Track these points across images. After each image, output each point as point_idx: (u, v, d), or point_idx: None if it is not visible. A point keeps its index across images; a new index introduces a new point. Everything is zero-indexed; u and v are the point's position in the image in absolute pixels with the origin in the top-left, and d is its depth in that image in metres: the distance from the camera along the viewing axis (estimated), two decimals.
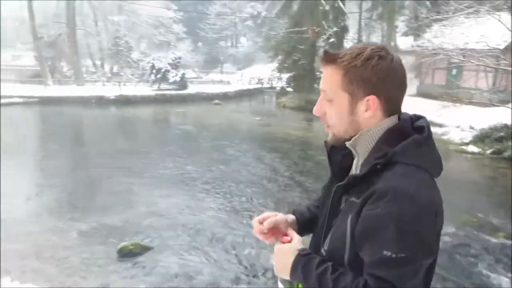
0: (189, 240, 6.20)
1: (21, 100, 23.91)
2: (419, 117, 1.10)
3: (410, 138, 1.01)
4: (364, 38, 28.91)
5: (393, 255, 0.91)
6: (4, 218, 6.79)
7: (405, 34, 30.12)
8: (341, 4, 23.46)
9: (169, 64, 29.17)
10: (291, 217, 1.29)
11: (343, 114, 1.05)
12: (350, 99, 1.04)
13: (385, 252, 0.91)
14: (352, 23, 26.01)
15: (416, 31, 24.22)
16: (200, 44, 49.49)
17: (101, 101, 25.12)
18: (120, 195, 8.28)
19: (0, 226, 6.08)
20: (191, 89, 30.13)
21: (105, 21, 36.59)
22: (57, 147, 13.55)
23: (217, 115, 21.76)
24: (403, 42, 27.94)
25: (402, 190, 0.93)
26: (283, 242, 1.11)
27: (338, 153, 1.17)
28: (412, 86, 23.24)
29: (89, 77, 35.02)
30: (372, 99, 1.03)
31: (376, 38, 31.45)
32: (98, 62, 39.07)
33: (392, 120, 1.06)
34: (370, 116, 1.04)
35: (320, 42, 22.84)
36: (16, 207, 7.44)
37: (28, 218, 7.04)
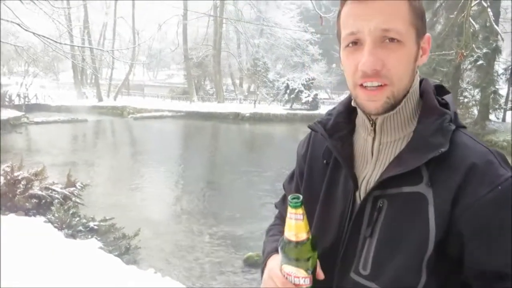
0: None
1: (170, 114, 27.18)
2: None
3: (450, 96, 0.82)
4: None
5: None
6: (149, 217, 7.75)
7: None
8: (493, 23, 21.30)
9: (303, 84, 29.89)
10: None
11: (411, 59, 0.78)
12: (417, 38, 0.78)
13: None
14: (506, 44, 23.35)
15: None
16: (334, 65, 49.60)
17: (237, 118, 26.92)
18: (249, 207, 8.74)
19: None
20: (323, 109, 30.32)
21: (246, 44, 39.28)
22: (197, 157, 14.94)
23: None
24: None
25: (491, 161, 0.74)
26: None
27: (336, 139, 0.89)
28: None
29: (228, 95, 37.81)
30: (428, 39, 0.81)
31: None
32: (237, 81, 42.05)
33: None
34: (423, 63, 0.81)
35: (466, 65, 21.01)
36: (160, 209, 8.42)
37: (169, 220, 7.89)
